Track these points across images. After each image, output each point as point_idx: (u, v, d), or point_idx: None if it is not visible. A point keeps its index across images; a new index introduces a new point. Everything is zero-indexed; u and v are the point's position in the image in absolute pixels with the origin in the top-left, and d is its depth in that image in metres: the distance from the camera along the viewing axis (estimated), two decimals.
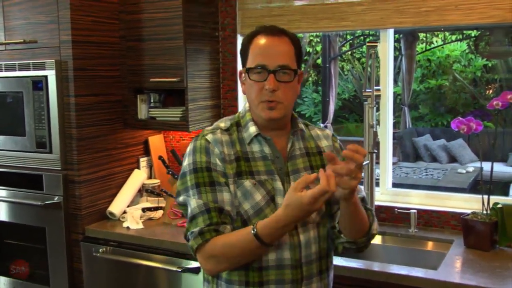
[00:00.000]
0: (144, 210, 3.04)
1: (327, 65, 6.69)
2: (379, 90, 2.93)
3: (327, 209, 1.72)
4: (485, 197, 2.58)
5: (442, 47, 9.02)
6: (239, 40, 3.24)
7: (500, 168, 7.74)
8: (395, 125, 8.51)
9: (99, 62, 3.02)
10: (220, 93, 3.31)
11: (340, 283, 2.24)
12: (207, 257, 1.62)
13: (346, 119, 10.86)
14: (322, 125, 6.91)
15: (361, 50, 9.93)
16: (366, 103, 2.82)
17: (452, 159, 8.32)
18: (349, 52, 9.98)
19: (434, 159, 8.41)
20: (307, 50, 10.78)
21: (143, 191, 3.24)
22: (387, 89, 2.99)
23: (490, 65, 8.81)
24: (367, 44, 2.83)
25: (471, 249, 2.53)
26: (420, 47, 9.35)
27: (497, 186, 7.05)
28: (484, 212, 2.58)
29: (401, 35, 8.34)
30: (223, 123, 1.77)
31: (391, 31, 2.97)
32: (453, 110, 8.90)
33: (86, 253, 2.94)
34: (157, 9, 3.00)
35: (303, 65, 10.90)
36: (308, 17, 3.02)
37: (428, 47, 9.50)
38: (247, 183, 1.66)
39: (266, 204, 1.65)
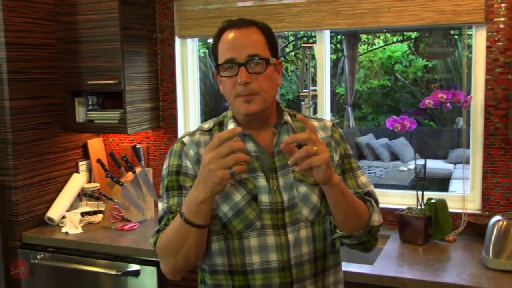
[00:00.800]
0: (83, 214, 2.99)
1: None
2: (315, 90, 2.98)
3: (322, 206, 1.59)
4: (419, 193, 2.66)
5: (384, 48, 9.23)
6: (177, 42, 3.24)
7: (440, 165, 7.98)
8: (339, 124, 8.65)
9: (35, 64, 2.96)
10: (159, 95, 3.29)
11: None
12: (159, 257, 1.57)
13: None
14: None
15: (304, 50, 10.03)
16: (303, 103, 2.86)
17: (395, 157, 8.51)
18: (293, 53, 10.08)
19: (377, 157, 8.58)
20: None
21: (83, 195, 3.18)
22: (324, 89, 3.04)
23: (430, 65, 9.08)
24: (303, 45, 2.88)
25: (407, 243, 2.60)
26: (362, 48, 9.53)
27: (437, 182, 7.27)
28: (419, 207, 2.66)
29: (343, 37, 8.49)
30: (207, 124, 1.69)
31: (327, 32, 3.03)
32: (395, 109, 9.12)
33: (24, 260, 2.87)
34: (93, 10, 2.97)
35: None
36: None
37: (370, 48, 9.70)
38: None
39: (247, 204, 1.54)
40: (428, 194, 2.71)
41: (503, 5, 2.58)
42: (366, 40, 9.59)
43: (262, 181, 1.56)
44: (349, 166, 1.68)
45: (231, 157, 1.33)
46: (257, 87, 1.53)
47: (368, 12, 2.78)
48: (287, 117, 1.65)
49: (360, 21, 2.81)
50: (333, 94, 9.45)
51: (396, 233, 2.69)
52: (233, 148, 1.33)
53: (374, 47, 9.61)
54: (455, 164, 7.90)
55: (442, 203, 2.60)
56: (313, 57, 3.23)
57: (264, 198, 1.55)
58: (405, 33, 9.08)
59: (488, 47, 2.64)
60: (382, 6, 2.75)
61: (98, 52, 2.99)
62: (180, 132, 3.29)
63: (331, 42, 3.04)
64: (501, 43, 2.61)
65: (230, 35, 1.56)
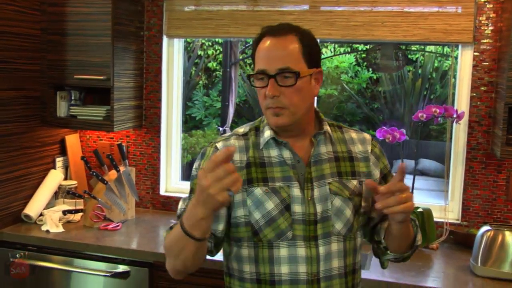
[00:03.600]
0: (65, 212, 2.89)
1: (228, 70, 6.72)
2: None
3: (355, 221, 1.60)
4: None
5: (332, 58, 9.42)
6: (165, 41, 3.20)
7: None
8: None
9: (18, 54, 2.84)
10: (143, 93, 3.24)
11: None
12: (165, 253, 1.57)
13: (235, 123, 11.00)
14: (221, 129, 6.94)
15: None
16: None
17: None
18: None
19: None
20: (199, 53, 10.78)
21: (60, 192, 3.08)
22: None
23: (375, 77, 9.35)
24: None
25: None
26: None
27: None
28: None
29: None
30: (243, 128, 1.67)
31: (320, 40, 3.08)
32: (340, 118, 9.33)
33: (2, 259, 2.74)
34: (84, 3, 2.89)
35: (194, 69, 10.89)
36: (237, 22, 3.05)
37: None
38: (258, 190, 1.55)
39: (280, 213, 1.53)
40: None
41: (490, 27, 2.73)
42: None
43: (296, 191, 1.55)
44: None
45: (229, 180, 1.29)
46: (286, 101, 1.53)
47: (362, 25, 2.86)
48: (327, 127, 1.65)
49: (354, 33, 2.88)
50: None
51: None
52: (229, 171, 1.29)
53: (322, 56, 9.80)
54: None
55: (428, 212, 2.71)
56: None
57: (297, 208, 1.54)
58: (353, 45, 9.31)
59: (474, 66, 2.77)
60: (376, 20, 2.84)
61: (85, 46, 2.91)
62: (163, 132, 3.25)
63: None
64: (487, 63, 2.75)
65: (266, 43, 1.55)
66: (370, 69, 9.11)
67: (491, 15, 2.73)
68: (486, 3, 2.72)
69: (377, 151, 1.70)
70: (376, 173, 1.67)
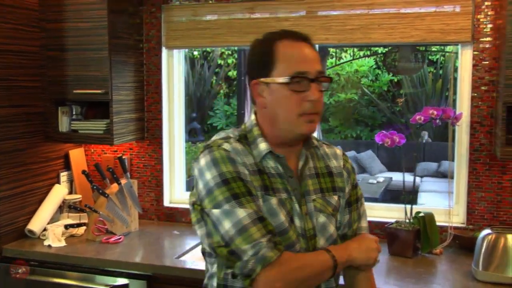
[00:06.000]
0: (66, 226, 2.92)
1: (242, 78, 6.73)
2: None
3: (338, 237, 1.58)
4: (408, 206, 2.71)
5: (351, 62, 9.36)
6: (164, 52, 3.21)
7: (407, 178, 8.12)
8: None
9: (18, 72, 2.88)
10: (144, 106, 3.25)
11: None
12: (282, 272, 1.36)
13: None
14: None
15: None
16: None
17: (362, 169, 8.63)
18: None
19: None
20: (218, 63, 10.83)
21: (64, 207, 3.11)
22: None
23: (396, 80, 9.25)
24: None
25: (395, 256, 2.63)
26: (330, 61, 9.66)
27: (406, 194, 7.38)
28: (407, 220, 2.70)
29: None
30: (231, 133, 1.54)
31: (316, 47, 3.04)
32: (361, 122, 9.26)
33: (4, 274, 2.77)
34: (81, 18, 2.92)
35: (214, 78, 10.94)
36: (234, 31, 3.04)
37: (337, 62, 9.84)
38: (274, 200, 1.46)
39: (289, 225, 1.47)
40: (408, 207, 2.73)
41: (489, 25, 2.66)
42: (334, 54, 9.73)
43: (296, 205, 1.50)
44: (355, 197, 1.65)
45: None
46: (320, 106, 1.49)
47: (358, 28, 2.82)
48: (315, 141, 1.61)
49: (350, 37, 2.84)
50: None
51: (383, 246, 2.72)
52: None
53: (341, 60, 9.75)
54: (421, 177, 8.06)
55: (430, 217, 2.65)
56: None
57: (297, 222, 1.50)
58: (372, 48, 9.24)
59: (474, 65, 2.71)
60: (372, 22, 2.80)
61: (84, 60, 2.94)
62: (165, 143, 3.25)
63: None
64: (487, 62, 2.69)
65: (294, 45, 1.48)
66: (390, 72, 9.01)
67: (489, 13, 2.66)
68: (484, 1, 2.66)
69: (349, 166, 1.67)
70: (348, 188, 1.64)
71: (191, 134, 10.39)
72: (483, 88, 2.70)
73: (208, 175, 1.42)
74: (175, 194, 3.32)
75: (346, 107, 9.28)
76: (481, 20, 2.68)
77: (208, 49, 10.03)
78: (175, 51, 3.25)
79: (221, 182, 1.40)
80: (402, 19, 2.75)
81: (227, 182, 1.40)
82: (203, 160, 1.45)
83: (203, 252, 1.56)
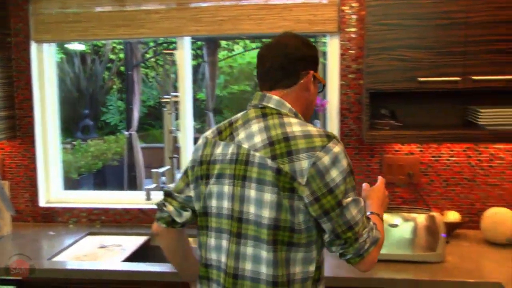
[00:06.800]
0: None
1: (130, 72, 6.60)
2: (177, 96, 3.00)
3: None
4: None
5: (243, 54, 9.44)
6: (33, 46, 3.08)
7: None
8: (201, 130, 8.71)
9: None
10: (14, 103, 3.11)
11: None
12: (380, 247, 1.65)
13: (152, 126, 10.83)
14: (126, 133, 6.81)
15: (165, 57, 9.96)
16: (165, 109, 2.87)
17: None
18: (153, 59, 10.00)
19: None
20: (109, 57, 10.55)
21: None
22: (185, 94, 3.06)
23: None
24: (163, 51, 2.90)
25: None
26: (222, 54, 9.68)
27: None
28: None
29: (203, 43, 8.56)
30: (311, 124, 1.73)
31: (188, 38, 3.05)
32: None
33: None
34: None
35: (106, 73, 10.68)
36: (105, 24, 2.97)
37: (229, 54, 9.89)
38: None
39: None
40: None
41: (353, 16, 2.77)
42: (226, 46, 9.76)
43: None
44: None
45: None
46: None
47: (228, 19, 2.85)
48: None
49: (220, 28, 2.86)
50: (195, 99, 9.50)
51: None
52: None
53: (233, 53, 9.80)
54: None
55: None
56: (173, 63, 3.24)
57: None
58: (263, 39, 9.37)
59: (341, 54, 2.81)
60: (242, 14, 2.83)
61: None
62: (38, 141, 3.13)
63: (192, 48, 3.07)
64: (353, 51, 2.80)
65: None
66: None
67: (353, 4, 2.77)
68: None
69: None
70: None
71: (84, 132, 10.07)
72: (350, 76, 2.82)
73: (345, 162, 1.57)
74: (52, 194, 3.20)
75: (240, 99, 9.35)
76: (346, 11, 2.79)
77: (99, 43, 9.76)
78: (45, 45, 3.12)
79: (350, 172, 1.59)
80: (270, 10, 2.81)
81: (352, 172, 1.61)
82: (337, 150, 1.56)
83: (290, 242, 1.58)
